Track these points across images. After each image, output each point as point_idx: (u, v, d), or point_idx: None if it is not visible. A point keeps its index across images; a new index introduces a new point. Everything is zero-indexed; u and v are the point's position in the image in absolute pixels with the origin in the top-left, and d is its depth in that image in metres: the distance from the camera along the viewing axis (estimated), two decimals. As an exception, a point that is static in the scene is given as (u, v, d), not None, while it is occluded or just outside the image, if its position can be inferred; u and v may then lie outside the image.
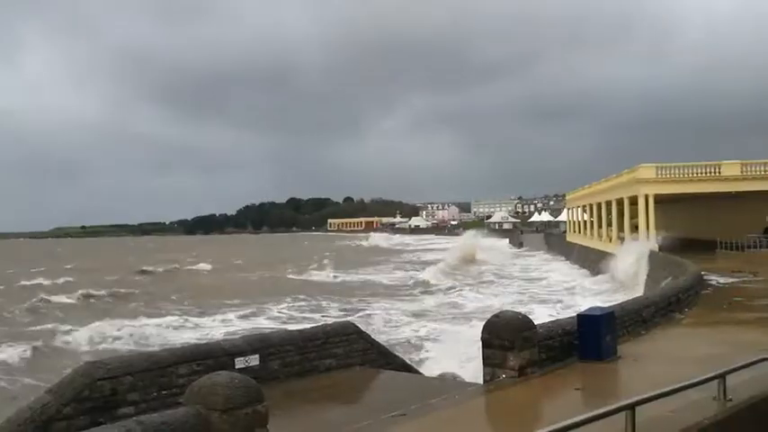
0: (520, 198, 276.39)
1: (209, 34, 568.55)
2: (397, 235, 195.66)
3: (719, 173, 40.95)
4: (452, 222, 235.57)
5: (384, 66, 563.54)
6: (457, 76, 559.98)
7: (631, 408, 6.83)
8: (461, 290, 45.14)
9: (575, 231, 75.89)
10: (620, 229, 51.56)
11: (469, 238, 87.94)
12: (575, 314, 12.62)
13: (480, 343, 10.92)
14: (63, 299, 44.13)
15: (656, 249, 39.96)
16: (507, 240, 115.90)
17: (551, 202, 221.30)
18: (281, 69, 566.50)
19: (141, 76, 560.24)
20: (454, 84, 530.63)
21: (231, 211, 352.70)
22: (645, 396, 7.00)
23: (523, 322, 10.87)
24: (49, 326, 31.73)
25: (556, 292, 42.13)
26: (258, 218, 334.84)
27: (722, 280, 25.96)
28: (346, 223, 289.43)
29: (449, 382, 12.74)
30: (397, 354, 14.10)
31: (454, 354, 18.92)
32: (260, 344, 10.85)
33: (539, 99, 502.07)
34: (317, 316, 34.81)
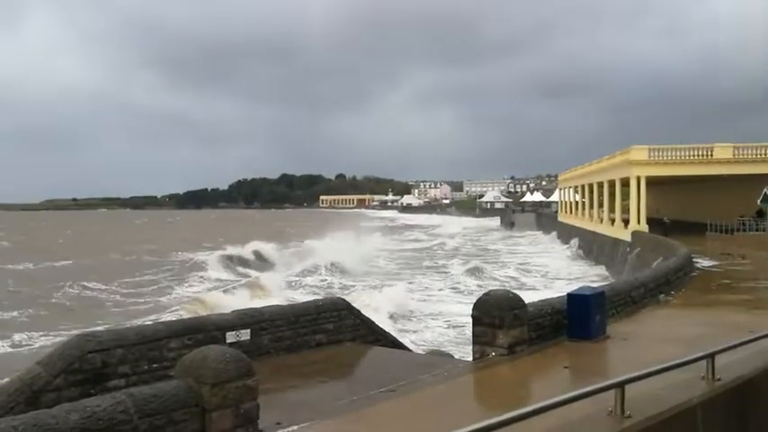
0: (512, 178, 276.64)
1: (215, 4, 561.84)
2: (391, 212, 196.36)
3: (712, 155, 41.00)
4: (444, 201, 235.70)
5: (392, 39, 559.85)
6: (467, 51, 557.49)
7: (621, 386, 6.89)
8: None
9: (566, 212, 76.08)
10: (612, 210, 51.73)
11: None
12: (565, 293, 12.68)
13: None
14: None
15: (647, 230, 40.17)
16: (499, 220, 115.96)
17: (544, 183, 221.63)
18: (287, 41, 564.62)
19: (142, 46, 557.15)
20: (463, 59, 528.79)
21: (223, 186, 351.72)
22: (635, 374, 7.06)
23: (513, 300, 10.90)
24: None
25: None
26: (250, 193, 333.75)
27: (711, 262, 26.15)
28: (338, 200, 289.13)
29: (438, 359, 12.79)
30: (387, 331, 14.15)
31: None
32: (251, 319, 10.85)
33: (548, 76, 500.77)
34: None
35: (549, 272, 45.19)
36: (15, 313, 29.79)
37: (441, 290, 36.97)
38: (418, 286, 37.79)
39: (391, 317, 25.48)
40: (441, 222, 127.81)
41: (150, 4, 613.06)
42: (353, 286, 38.10)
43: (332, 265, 46.23)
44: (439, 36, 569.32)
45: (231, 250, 55.06)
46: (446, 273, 45.16)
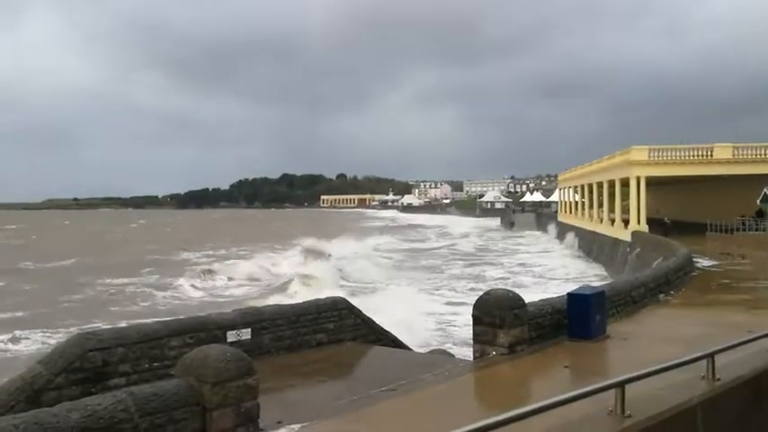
0: (512, 178, 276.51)
1: (217, 4, 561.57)
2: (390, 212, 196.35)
3: (711, 156, 41.01)
4: (445, 201, 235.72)
5: (392, 39, 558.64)
6: (467, 51, 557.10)
7: (621, 385, 6.90)
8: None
9: (566, 212, 76.07)
10: (612, 210, 51.72)
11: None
12: (565, 293, 12.68)
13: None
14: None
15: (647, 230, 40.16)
16: (499, 220, 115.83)
17: (544, 183, 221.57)
18: (287, 42, 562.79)
19: (143, 46, 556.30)
20: (463, 58, 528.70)
21: (224, 186, 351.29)
22: (635, 374, 7.07)
23: (514, 300, 10.91)
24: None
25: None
26: (251, 193, 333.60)
27: (711, 262, 26.15)
28: (339, 200, 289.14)
29: (439, 359, 12.79)
30: (387, 330, 14.15)
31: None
32: (252, 318, 10.86)
33: (548, 76, 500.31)
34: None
35: (548, 272, 45.16)
36: (23, 312, 29.65)
37: (438, 289, 37.01)
38: (431, 287, 37.86)
39: (438, 323, 25.66)
40: (444, 223, 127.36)
41: (152, 4, 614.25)
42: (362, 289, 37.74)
43: (345, 264, 46.18)
44: (439, 36, 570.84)
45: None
46: (455, 272, 45.21)
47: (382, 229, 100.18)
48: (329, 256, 52.25)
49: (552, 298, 12.89)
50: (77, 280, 40.15)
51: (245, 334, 10.53)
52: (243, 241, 68.88)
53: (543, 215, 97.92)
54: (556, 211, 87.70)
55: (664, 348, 10.58)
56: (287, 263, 49.18)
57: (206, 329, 9.96)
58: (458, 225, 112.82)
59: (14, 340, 23.41)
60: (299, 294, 28.96)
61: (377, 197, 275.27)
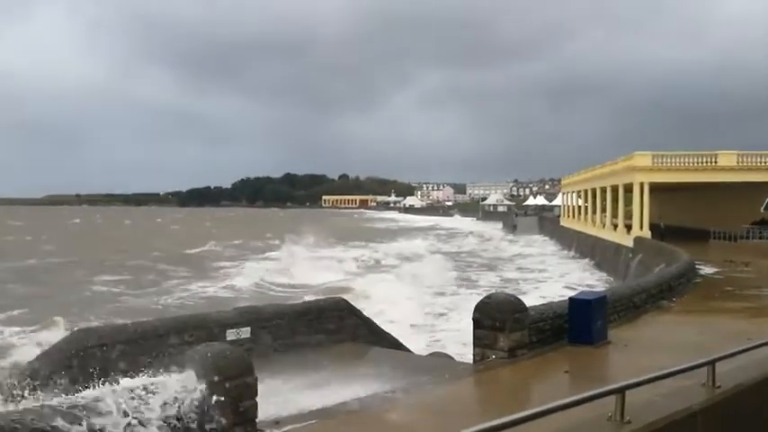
0: (515, 181, 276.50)
1: (223, 1, 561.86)
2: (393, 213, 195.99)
3: (715, 163, 40.94)
4: (447, 203, 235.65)
5: (399, 39, 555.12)
6: (474, 53, 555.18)
7: (621, 391, 6.87)
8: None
9: (569, 216, 75.98)
10: (614, 215, 51.61)
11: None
12: (567, 298, 12.65)
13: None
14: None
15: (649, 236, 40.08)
16: (501, 223, 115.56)
17: (547, 186, 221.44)
18: (294, 40, 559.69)
19: (147, 42, 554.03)
20: (470, 61, 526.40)
21: (226, 184, 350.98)
22: (635, 380, 7.05)
23: (515, 304, 10.89)
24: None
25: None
26: (253, 192, 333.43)
27: (714, 270, 26.08)
28: (341, 200, 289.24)
29: (438, 361, 12.77)
30: (387, 332, 14.13)
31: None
32: (251, 317, 10.86)
33: (554, 79, 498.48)
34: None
35: (549, 276, 45.02)
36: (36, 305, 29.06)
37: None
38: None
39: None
40: (458, 225, 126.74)
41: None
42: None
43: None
44: (445, 38, 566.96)
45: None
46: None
47: (400, 233, 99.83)
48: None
49: (553, 302, 12.87)
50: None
51: (245, 333, 10.53)
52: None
53: (546, 219, 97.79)
54: (558, 215, 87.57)
55: (665, 355, 10.54)
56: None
57: (206, 327, 9.97)
58: (473, 227, 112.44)
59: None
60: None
61: (378, 198, 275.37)
